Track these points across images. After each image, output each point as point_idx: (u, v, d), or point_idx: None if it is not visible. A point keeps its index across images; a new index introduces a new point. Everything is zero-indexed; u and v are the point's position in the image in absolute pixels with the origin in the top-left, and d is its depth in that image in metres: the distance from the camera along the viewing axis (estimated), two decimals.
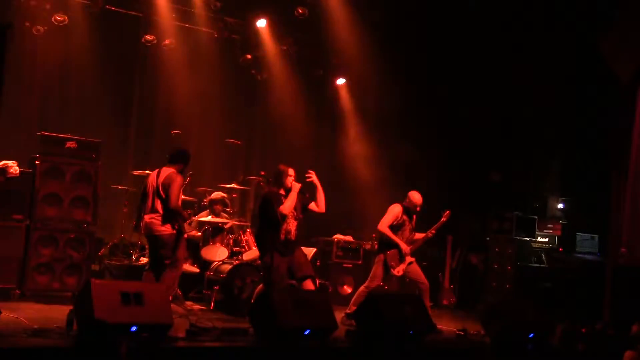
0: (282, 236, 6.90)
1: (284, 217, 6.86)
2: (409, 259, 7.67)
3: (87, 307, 5.25)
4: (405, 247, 7.63)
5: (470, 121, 11.14)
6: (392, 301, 6.74)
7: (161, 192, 6.95)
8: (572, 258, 10.57)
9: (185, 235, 8.08)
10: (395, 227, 7.68)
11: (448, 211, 7.82)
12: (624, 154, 8.78)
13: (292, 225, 6.98)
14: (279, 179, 7.03)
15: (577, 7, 9.67)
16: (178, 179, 6.97)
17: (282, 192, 6.99)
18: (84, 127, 9.55)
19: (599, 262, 10.10)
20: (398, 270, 7.63)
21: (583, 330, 7.19)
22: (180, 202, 7.09)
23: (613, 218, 8.95)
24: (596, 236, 10.87)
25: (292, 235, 6.98)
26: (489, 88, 10.90)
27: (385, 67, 10.86)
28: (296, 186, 6.95)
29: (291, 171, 7.05)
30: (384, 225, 7.65)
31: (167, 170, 7.04)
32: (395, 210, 7.70)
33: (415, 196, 7.74)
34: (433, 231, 7.84)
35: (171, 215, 6.94)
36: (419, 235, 7.88)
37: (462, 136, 11.32)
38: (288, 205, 6.87)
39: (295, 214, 7.00)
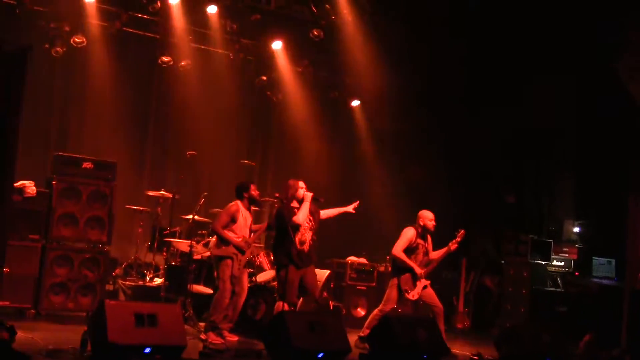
0: (297, 246, 6.94)
1: (297, 227, 6.91)
2: (423, 282, 7.59)
3: (101, 328, 5.27)
4: (419, 270, 7.56)
5: (485, 143, 11.11)
6: (406, 324, 6.68)
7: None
8: (588, 282, 10.44)
9: (200, 257, 8.13)
10: (409, 251, 7.61)
11: (462, 231, 7.69)
12: None
13: (306, 235, 7.04)
14: (290, 194, 7.10)
15: (595, 27, 9.65)
16: (230, 208, 7.17)
17: (295, 204, 7.06)
18: (100, 147, 9.66)
19: (615, 286, 9.97)
20: (413, 295, 7.55)
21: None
22: (221, 228, 7.11)
23: (630, 242, 8.84)
24: (613, 260, 10.75)
25: (306, 246, 7.03)
26: (504, 109, 10.89)
27: (400, 89, 10.88)
28: (308, 196, 7.04)
29: (301, 183, 7.18)
30: (398, 250, 7.58)
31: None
32: (409, 234, 7.64)
33: (426, 214, 7.67)
34: (455, 245, 7.67)
35: (220, 239, 7.12)
36: (435, 255, 7.76)
37: (478, 158, 11.28)
38: (301, 215, 6.97)
39: (310, 224, 7.08)
